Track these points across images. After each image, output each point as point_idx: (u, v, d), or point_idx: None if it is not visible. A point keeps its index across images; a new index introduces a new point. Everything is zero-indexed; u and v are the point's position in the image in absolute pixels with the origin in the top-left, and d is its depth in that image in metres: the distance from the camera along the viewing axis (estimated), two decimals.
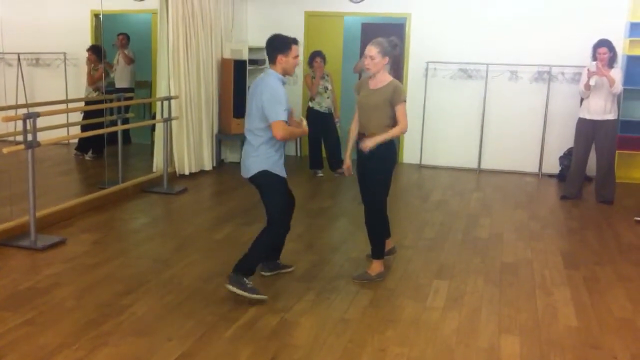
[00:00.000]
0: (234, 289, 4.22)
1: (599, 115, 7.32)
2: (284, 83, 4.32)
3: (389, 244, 5.11)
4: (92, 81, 8.56)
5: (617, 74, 7.21)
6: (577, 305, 4.42)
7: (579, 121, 7.56)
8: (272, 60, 4.34)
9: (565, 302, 4.48)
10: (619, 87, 7.17)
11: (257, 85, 4.33)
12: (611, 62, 7.23)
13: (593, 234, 6.25)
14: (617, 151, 8.64)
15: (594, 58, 7.28)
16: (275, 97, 4.18)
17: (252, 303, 4.21)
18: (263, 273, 4.72)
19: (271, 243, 4.49)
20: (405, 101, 4.60)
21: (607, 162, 7.49)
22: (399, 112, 4.58)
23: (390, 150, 4.71)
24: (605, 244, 5.92)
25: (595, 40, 7.36)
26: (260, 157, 4.30)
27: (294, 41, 4.37)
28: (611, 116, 7.35)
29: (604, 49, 7.17)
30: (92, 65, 8.55)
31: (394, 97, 4.55)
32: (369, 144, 4.54)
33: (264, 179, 4.33)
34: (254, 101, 4.27)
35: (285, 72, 4.36)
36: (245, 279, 4.27)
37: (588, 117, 7.39)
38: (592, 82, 7.22)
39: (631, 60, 8.65)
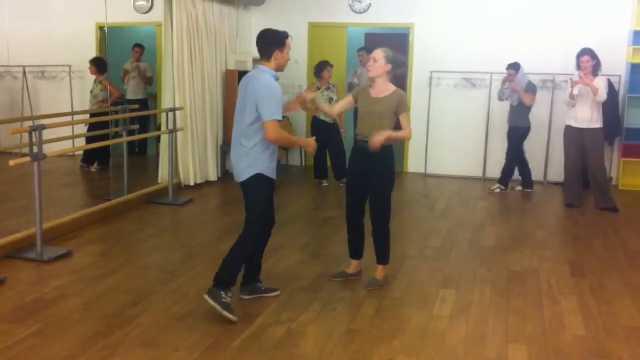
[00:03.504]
0: (211, 303, 4.06)
1: (586, 124, 7.36)
2: (276, 79, 4.18)
3: (357, 266, 5.04)
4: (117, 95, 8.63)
5: (601, 82, 7.23)
6: (584, 313, 4.40)
7: (566, 129, 7.59)
8: (268, 56, 4.16)
9: (573, 310, 4.46)
10: (602, 95, 7.18)
11: (248, 82, 4.12)
12: (595, 70, 7.26)
13: (599, 241, 6.23)
14: (621, 159, 8.68)
15: (578, 67, 7.31)
16: (272, 94, 4.01)
17: (225, 319, 4.07)
18: (242, 296, 4.47)
19: (249, 247, 4.25)
20: (408, 109, 4.63)
21: (599, 169, 7.50)
22: (403, 121, 4.62)
23: (394, 158, 4.74)
24: (611, 252, 5.90)
25: (598, 49, 7.38)
26: (254, 159, 4.12)
27: (286, 35, 4.25)
28: (597, 124, 7.38)
29: (586, 57, 7.20)
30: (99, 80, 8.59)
31: (400, 107, 4.59)
32: (378, 138, 4.47)
33: (254, 181, 4.16)
34: (247, 100, 4.06)
35: (279, 68, 4.21)
36: (222, 292, 4.08)
37: (574, 124, 7.44)
38: (575, 91, 7.27)
39: (635, 68, 8.66)
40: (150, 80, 9.65)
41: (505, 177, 8.48)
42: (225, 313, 4.06)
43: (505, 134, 8.51)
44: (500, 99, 8.35)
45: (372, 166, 4.66)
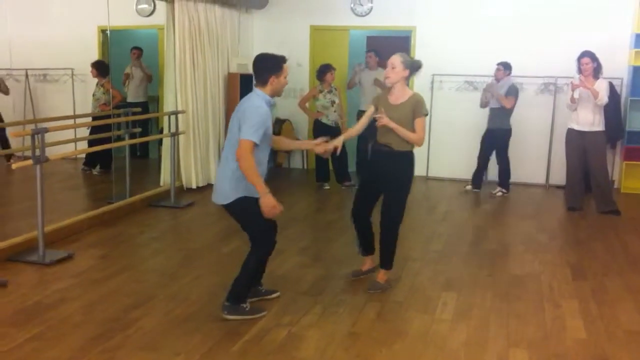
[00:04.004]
0: (234, 318, 4.16)
1: (588, 127, 7.36)
2: (272, 104, 4.13)
3: (372, 262, 5.08)
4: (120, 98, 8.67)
5: (602, 85, 7.21)
6: (585, 317, 4.40)
7: (568, 132, 7.59)
8: (263, 81, 4.07)
9: (574, 314, 4.45)
10: (604, 98, 7.17)
11: (241, 104, 4.10)
12: (596, 73, 7.23)
13: (601, 245, 6.22)
14: (623, 162, 8.68)
15: (579, 70, 7.30)
16: (256, 115, 3.92)
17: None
18: None
19: (259, 264, 4.30)
20: (426, 115, 4.58)
21: (601, 173, 7.49)
22: (418, 125, 4.52)
23: (413, 165, 4.71)
24: (613, 256, 5.89)
25: (600, 52, 7.38)
26: (238, 182, 4.01)
27: (284, 60, 4.13)
28: (599, 128, 7.37)
29: (586, 59, 7.19)
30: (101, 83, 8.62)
31: (416, 109, 4.53)
32: (386, 121, 4.45)
33: (240, 206, 4.06)
34: (236, 120, 4.01)
35: (275, 93, 4.13)
36: (242, 304, 4.21)
37: (577, 127, 7.43)
38: (575, 95, 7.27)
39: (637, 71, 8.66)
40: (150, 78, 9.66)
41: (505, 180, 8.47)
42: (257, 315, 4.23)
43: (483, 137, 8.54)
44: (484, 105, 8.41)
45: (391, 170, 4.62)
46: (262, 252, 4.26)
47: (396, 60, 4.57)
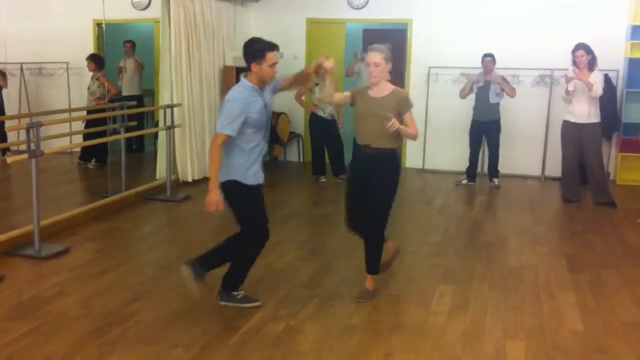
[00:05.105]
0: (227, 304, 4.25)
1: (583, 119, 7.37)
2: (256, 91, 4.00)
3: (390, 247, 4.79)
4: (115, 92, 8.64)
5: (597, 77, 7.21)
6: (582, 309, 4.41)
7: (563, 124, 7.59)
8: (248, 67, 4.01)
9: (571, 306, 4.46)
10: (598, 90, 7.17)
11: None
12: (591, 65, 7.23)
13: (597, 237, 6.24)
14: (619, 154, 8.69)
15: (574, 62, 7.30)
16: (229, 108, 3.91)
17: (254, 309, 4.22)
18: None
19: (252, 254, 4.23)
20: (412, 107, 4.43)
21: (597, 165, 7.51)
22: (409, 120, 4.37)
23: (400, 164, 4.61)
24: (610, 247, 5.91)
25: (596, 44, 7.38)
26: (231, 165, 4.02)
27: (271, 47, 3.98)
28: (595, 120, 7.39)
29: (580, 52, 7.19)
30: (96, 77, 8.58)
31: (403, 106, 4.36)
32: (397, 126, 4.19)
33: (230, 188, 4.05)
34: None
35: (260, 83, 4.02)
36: (234, 292, 4.27)
37: (572, 120, 7.44)
38: (570, 87, 7.29)
39: (633, 63, 8.66)
40: (142, 67, 9.58)
41: (496, 170, 8.53)
42: (249, 304, 4.26)
43: (471, 128, 8.60)
44: (465, 96, 8.42)
45: (377, 171, 4.41)
46: (252, 243, 4.19)
47: (377, 57, 4.33)
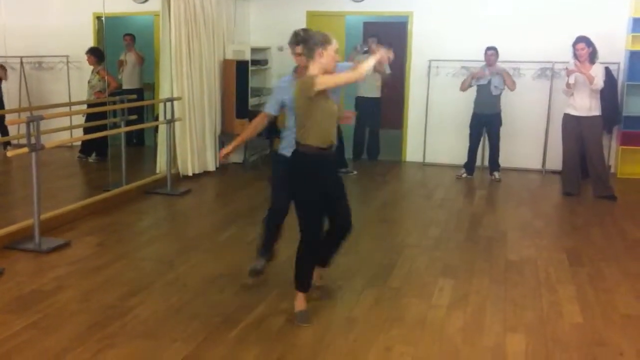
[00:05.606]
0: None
1: (584, 112, 7.36)
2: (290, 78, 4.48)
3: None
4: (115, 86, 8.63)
5: (597, 69, 7.19)
6: (582, 302, 4.41)
7: (564, 117, 7.58)
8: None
9: (571, 299, 4.46)
10: (599, 83, 7.16)
11: None
12: (592, 57, 7.21)
13: (597, 230, 6.23)
14: (620, 147, 8.68)
15: (574, 55, 7.28)
16: (270, 91, 4.34)
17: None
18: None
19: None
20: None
21: (598, 158, 7.50)
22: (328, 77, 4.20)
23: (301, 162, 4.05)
24: (610, 241, 5.90)
25: (597, 37, 7.35)
26: (288, 145, 4.26)
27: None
28: (596, 113, 7.38)
29: (581, 45, 7.17)
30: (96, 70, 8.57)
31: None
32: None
33: (291, 167, 4.01)
34: None
35: (299, 72, 4.51)
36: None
37: (573, 113, 7.43)
38: (571, 80, 7.27)
39: (634, 56, 8.62)
40: (142, 60, 9.56)
41: (497, 163, 8.53)
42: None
43: (472, 122, 8.61)
44: (466, 89, 8.45)
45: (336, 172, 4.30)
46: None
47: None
